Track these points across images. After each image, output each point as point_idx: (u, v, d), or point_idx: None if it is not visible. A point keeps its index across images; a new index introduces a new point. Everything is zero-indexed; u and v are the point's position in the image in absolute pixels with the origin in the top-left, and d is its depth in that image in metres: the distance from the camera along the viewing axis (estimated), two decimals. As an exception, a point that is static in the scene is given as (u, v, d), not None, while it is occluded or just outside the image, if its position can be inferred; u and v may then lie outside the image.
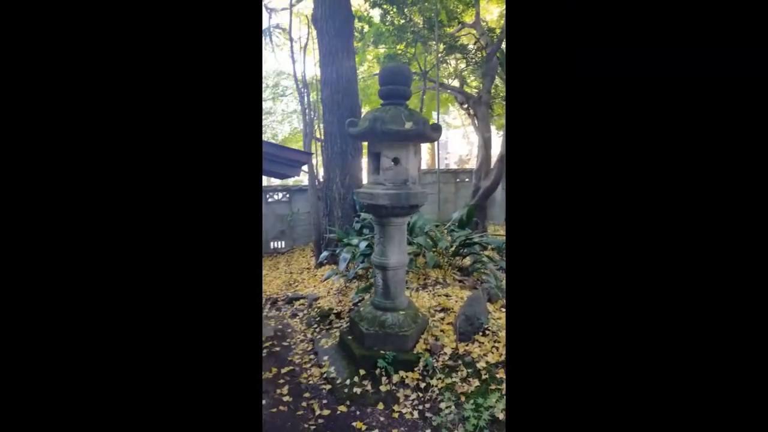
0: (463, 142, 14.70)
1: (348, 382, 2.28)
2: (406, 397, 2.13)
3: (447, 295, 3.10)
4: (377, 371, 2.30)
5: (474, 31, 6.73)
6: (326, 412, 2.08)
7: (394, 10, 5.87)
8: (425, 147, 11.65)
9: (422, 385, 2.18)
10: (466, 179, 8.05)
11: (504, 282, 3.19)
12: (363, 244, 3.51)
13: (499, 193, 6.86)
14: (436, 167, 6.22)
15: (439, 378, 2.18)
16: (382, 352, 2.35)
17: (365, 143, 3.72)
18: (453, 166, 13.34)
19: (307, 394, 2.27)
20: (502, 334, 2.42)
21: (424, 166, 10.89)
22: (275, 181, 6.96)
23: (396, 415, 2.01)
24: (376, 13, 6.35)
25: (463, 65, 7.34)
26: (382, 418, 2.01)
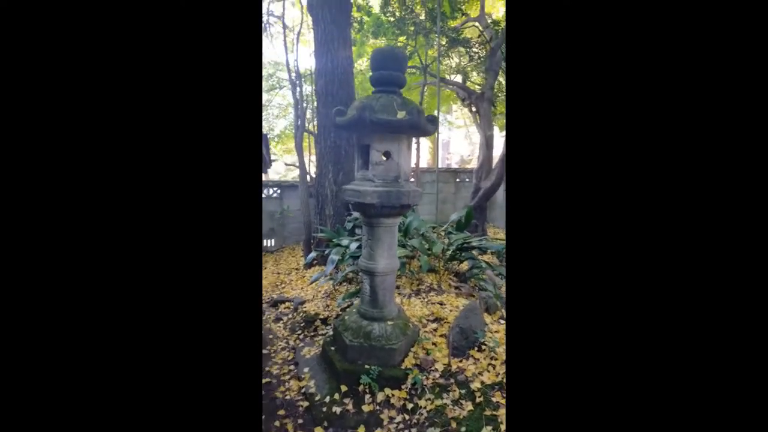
0: (465, 142, 14.43)
1: (328, 399, 2.05)
2: (391, 419, 1.90)
3: (441, 303, 2.87)
4: (360, 388, 2.07)
5: (478, 25, 6.47)
6: (300, 435, 1.86)
7: None
8: (425, 145, 11.39)
9: (409, 406, 1.95)
10: (467, 179, 7.81)
11: (503, 290, 2.96)
12: (353, 245, 3.28)
13: (500, 195, 6.61)
14: (436, 166, 5.96)
15: (428, 399, 1.95)
16: (366, 366, 2.12)
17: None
18: (454, 167, 13.06)
19: (281, 412, 2.04)
20: (500, 350, 2.19)
21: (423, 165, 10.62)
22: (266, 177, 6.71)
23: (378, 440, 1.78)
24: (375, 3, 6.09)
25: (466, 60, 7.08)
26: (362, 445, 1.78)
